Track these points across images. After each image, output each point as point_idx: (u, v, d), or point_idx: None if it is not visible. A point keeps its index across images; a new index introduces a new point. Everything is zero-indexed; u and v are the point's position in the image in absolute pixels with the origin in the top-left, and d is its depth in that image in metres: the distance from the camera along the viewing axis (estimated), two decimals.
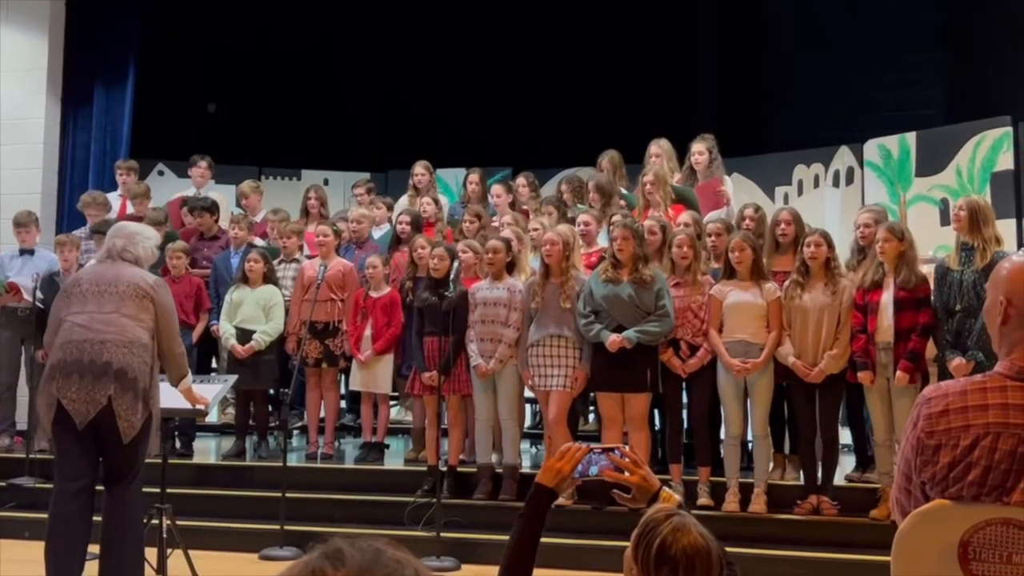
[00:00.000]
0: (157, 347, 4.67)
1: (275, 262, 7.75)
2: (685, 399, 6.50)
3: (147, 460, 4.74)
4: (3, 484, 6.99)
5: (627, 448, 2.50)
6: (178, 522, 5.13)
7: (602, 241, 7.15)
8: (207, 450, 8.12)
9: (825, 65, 10.24)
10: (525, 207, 8.25)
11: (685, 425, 6.57)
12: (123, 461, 4.55)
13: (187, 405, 5.08)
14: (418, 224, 7.81)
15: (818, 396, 6.14)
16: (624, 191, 7.93)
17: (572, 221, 7.37)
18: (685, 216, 6.95)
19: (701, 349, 6.28)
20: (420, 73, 11.68)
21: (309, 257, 7.81)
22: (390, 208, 8.76)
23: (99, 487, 4.64)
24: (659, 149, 7.93)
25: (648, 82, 10.98)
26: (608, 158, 8.12)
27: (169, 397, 4.94)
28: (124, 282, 4.65)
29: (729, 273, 6.30)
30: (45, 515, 4.61)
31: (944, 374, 5.86)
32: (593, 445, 2.51)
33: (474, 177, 8.62)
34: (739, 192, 8.42)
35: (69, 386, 4.50)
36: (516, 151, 10.84)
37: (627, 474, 2.42)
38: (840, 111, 10.08)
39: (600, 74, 11.20)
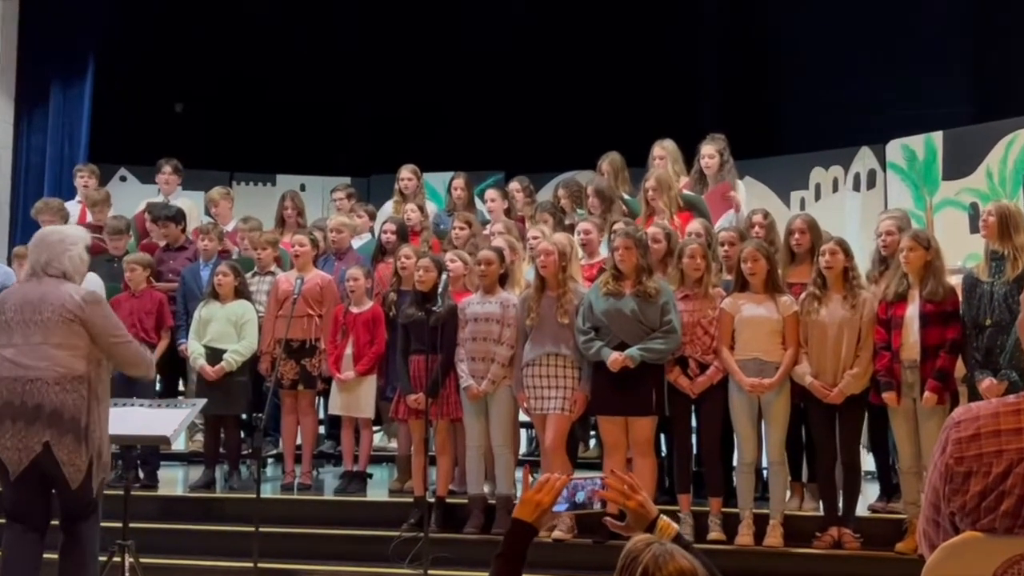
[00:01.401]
0: (110, 361, 4.64)
1: (248, 275, 7.74)
2: (694, 423, 6.49)
3: (108, 492, 4.71)
4: None
5: (620, 473, 2.49)
6: (142, 560, 5.11)
7: (603, 251, 7.15)
8: (173, 481, 8.08)
9: (844, 58, 10.25)
10: (521, 214, 8.25)
11: (694, 451, 6.56)
12: (76, 502, 4.54)
13: (148, 432, 5.05)
14: (404, 233, 7.82)
15: (838, 419, 6.14)
16: (626, 196, 7.93)
17: (570, 229, 7.37)
18: (696, 225, 6.96)
19: (711, 368, 6.27)
20: (406, 69, 11.70)
21: (305, 261, 7.77)
22: (372, 216, 8.75)
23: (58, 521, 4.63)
24: (663, 151, 7.93)
25: (651, 78, 10.99)
26: (608, 161, 8.11)
27: (130, 423, 4.91)
28: (49, 306, 4.56)
29: (742, 285, 6.30)
30: None
31: (974, 395, 5.86)
32: (576, 476, 2.50)
33: (458, 182, 8.61)
34: (752, 197, 8.42)
35: (2, 432, 4.47)
36: (509, 153, 10.84)
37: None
38: (861, 108, 10.09)
39: (599, 70, 11.21)
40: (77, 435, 4.45)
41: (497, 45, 11.49)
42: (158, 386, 7.70)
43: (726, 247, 6.68)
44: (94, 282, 7.19)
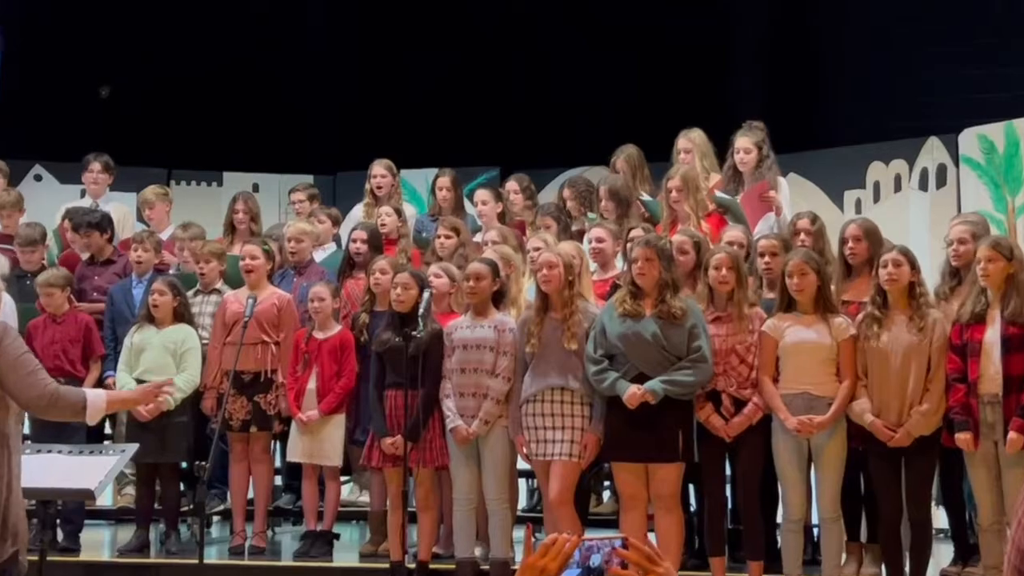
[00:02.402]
0: (20, 408, 4.55)
1: (189, 294, 7.72)
2: (729, 471, 6.48)
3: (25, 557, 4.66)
4: None
5: (636, 542, 2.45)
6: None
7: (618, 264, 7.15)
8: (98, 543, 8.04)
9: (908, 31, 10.26)
10: (519, 219, 8.25)
11: (730, 505, 6.55)
12: None
13: (71, 484, 5.01)
14: (377, 242, 7.80)
15: (904, 466, 6.13)
16: (646, 197, 7.93)
17: (578, 237, 7.37)
18: (735, 232, 6.97)
19: (750, 404, 6.26)
20: (378, 46, 11.72)
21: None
22: (339, 222, 8.75)
23: None
24: (690, 144, 7.93)
25: (675, 56, 11.01)
26: (625, 156, 8.12)
27: (46, 474, 4.87)
28: None
29: (787, 304, 6.30)
30: None
31: None
32: (588, 536, 2.47)
33: (444, 181, 8.61)
34: (797, 198, 8.41)
35: None
36: (505, 146, 10.84)
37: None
38: (928, 92, 10.10)
39: (612, 46, 11.24)
40: None
41: (489, 17, 11.51)
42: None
43: (767, 258, 6.67)
44: (7, 307, 7.14)
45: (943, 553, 6.80)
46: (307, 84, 11.94)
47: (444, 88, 11.58)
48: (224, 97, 11.57)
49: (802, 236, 6.85)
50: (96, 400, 4.50)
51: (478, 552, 6.68)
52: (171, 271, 8.22)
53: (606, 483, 7.63)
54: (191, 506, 7.50)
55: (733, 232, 7.01)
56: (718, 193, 7.69)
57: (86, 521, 7.82)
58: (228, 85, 11.58)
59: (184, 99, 11.54)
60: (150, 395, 4.70)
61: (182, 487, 7.69)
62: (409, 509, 6.71)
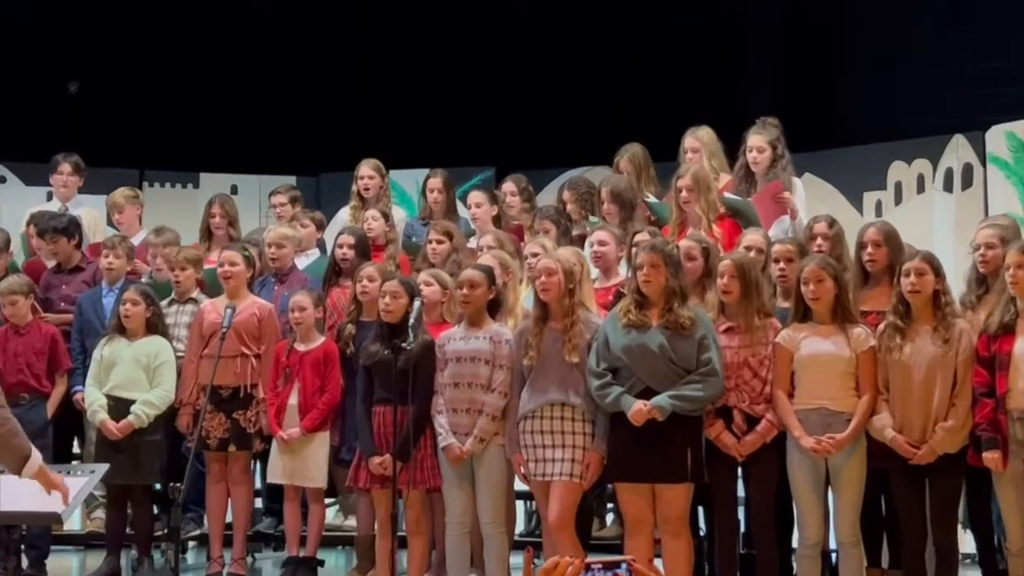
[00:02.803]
0: None
1: (163, 303, 7.72)
2: (741, 492, 6.48)
3: None
4: None
5: (643, 567, 2.45)
6: None
7: (622, 270, 7.15)
8: (66, 570, 8.06)
9: (931, 22, 10.25)
10: (516, 223, 8.26)
11: (742, 529, 6.54)
12: None
13: (37, 507, 5.00)
14: (365, 248, 7.80)
15: (928, 486, 6.12)
16: (651, 199, 7.95)
17: (579, 242, 7.37)
18: (754, 236, 6.97)
19: (763, 421, 6.26)
20: (367, 40, 11.70)
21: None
22: (323, 226, 8.75)
23: None
24: (698, 142, 7.95)
25: (683, 51, 11.00)
26: (629, 155, 8.13)
27: (10, 496, 4.86)
28: None
29: (802, 314, 6.30)
30: None
31: None
32: (592, 559, 2.47)
33: (435, 182, 8.63)
34: (813, 201, 8.42)
35: None
36: (501, 146, 10.83)
37: None
38: (952, 86, 10.08)
39: (616, 42, 11.22)
40: None
41: (485, 9, 11.51)
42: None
43: (781, 265, 6.68)
44: None
45: None
46: (290, 80, 11.91)
47: (435, 83, 11.58)
48: (201, 93, 11.55)
49: (819, 241, 6.85)
50: (35, 462, 4.47)
51: None
52: (144, 279, 8.21)
53: (609, 505, 7.59)
54: (165, 531, 7.48)
55: (752, 236, 7.01)
56: (727, 195, 7.69)
57: (52, 547, 7.81)
58: (205, 80, 11.56)
59: (158, 95, 11.52)
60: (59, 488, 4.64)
61: (155, 510, 7.68)
62: (399, 534, 6.70)
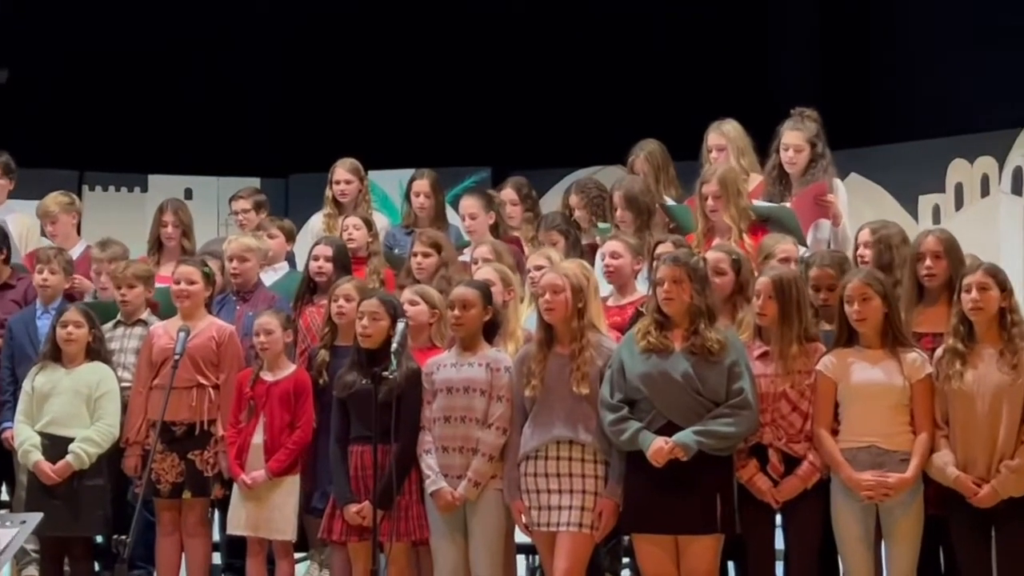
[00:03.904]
0: None
1: (107, 326, 7.71)
2: (779, 543, 6.43)
3: None
4: None
5: None
6: None
7: (640, 286, 7.15)
8: None
9: (991, 3, 10.25)
10: (516, 233, 8.27)
11: None
12: None
13: None
14: (343, 261, 7.79)
15: (995, 534, 6.09)
16: (671, 202, 7.95)
17: (590, 254, 7.40)
18: (785, 245, 6.96)
19: (804, 463, 6.22)
20: (342, 21, 11.67)
21: None
22: (292, 236, 8.74)
23: None
24: (723, 138, 7.98)
25: (706, 35, 11.00)
26: (646, 154, 8.16)
27: None
28: None
29: (847, 337, 6.26)
30: None
31: None
32: None
33: (421, 185, 8.65)
34: (860, 205, 8.41)
35: None
36: (497, 142, 10.82)
37: None
38: (1021, 75, 10.07)
39: (627, 25, 11.21)
40: None
41: None
42: None
43: (823, 295, 6.60)
44: None
45: None
46: (252, 68, 11.92)
47: (421, 70, 11.56)
48: (149, 82, 11.59)
49: (861, 250, 6.88)
50: None
51: None
52: (88, 298, 8.21)
53: (625, 560, 7.52)
54: None
55: (783, 245, 7.02)
56: (758, 202, 7.69)
57: None
58: (154, 67, 11.60)
59: (100, 85, 11.54)
60: None
61: (97, 567, 7.66)
62: None
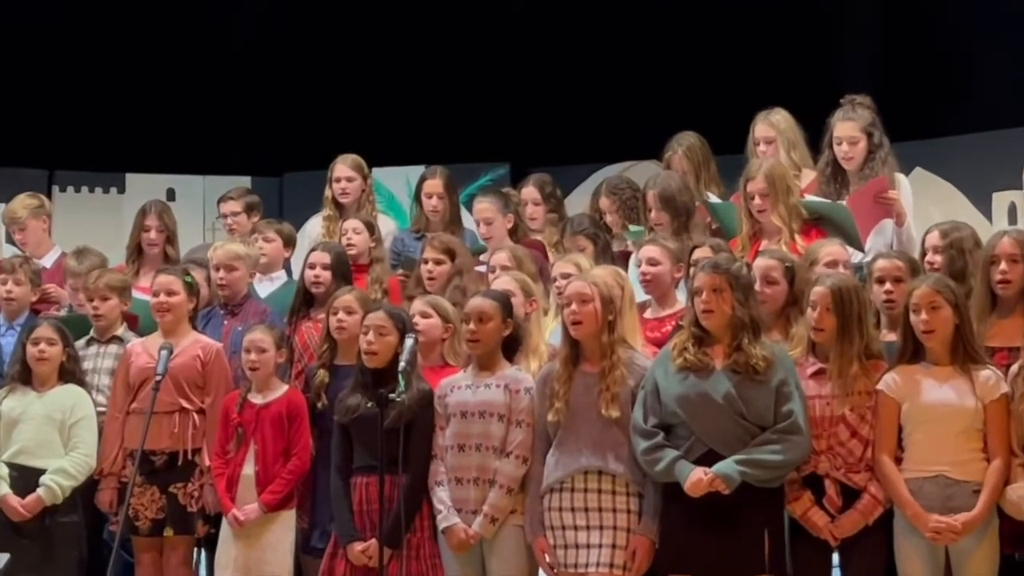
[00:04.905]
0: None
1: (80, 343, 7.72)
2: None
3: None
4: None
5: None
6: None
7: (679, 296, 7.15)
8: None
9: None
10: (539, 237, 8.29)
11: None
12: None
13: None
14: (344, 269, 7.81)
15: None
16: (714, 199, 7.96)
17: (622, 260, 7.42)
18: (831, 247, 6.95)
19: (865, 496, 6.20)
20: (344, 4, 11.71)
21: None
22: (290, 241, 8.73)
23: None
24: (771, 129, 8.02)
25: (749, 11, 10.98)
26: (684, 148, 8.21)
27: None
28: None
29: (913, 352, 6.25)
30: None
31: None
32: None
33: (433, 184, 8.70)
34: (923, 203, 8.39)
35: None
36: (517, 136, 10.82)
37: None
38: None
39: (663, 6, 11.21)
40: None
41: None
42: None
43: (887, 286, 6.63)
44: None
45: None
46: (243, 52, 11.93)
47: (431, 57, 11.58)
48: (126, 70, 11.61)
49: (929, 255, 6.87)
50: None
51: None
52: (63, 311, 8.23)
53: None
54: None
55: (828, 247, 7.01)
56: (810, 198, 7.70)
57: None
58: (132, 54, 11.61)
59: (71, 75, 11.56)
60: None
61: None
62: None
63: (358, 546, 6.65)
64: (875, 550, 6.21)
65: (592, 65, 11.23)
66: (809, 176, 7.92)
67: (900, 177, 7.90)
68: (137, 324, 7.92)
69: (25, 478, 7.33)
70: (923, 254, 6.92)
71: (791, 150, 7.95)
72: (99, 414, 7.50)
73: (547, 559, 6.42)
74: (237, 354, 7.42)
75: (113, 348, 7.76)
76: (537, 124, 11.08)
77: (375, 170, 9.03)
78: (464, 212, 8.85)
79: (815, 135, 8.01)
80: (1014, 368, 6.21)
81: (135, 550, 7.39)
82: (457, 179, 8.86)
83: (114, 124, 11.47)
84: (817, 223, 7.50)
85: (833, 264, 6.82)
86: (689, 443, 6.15)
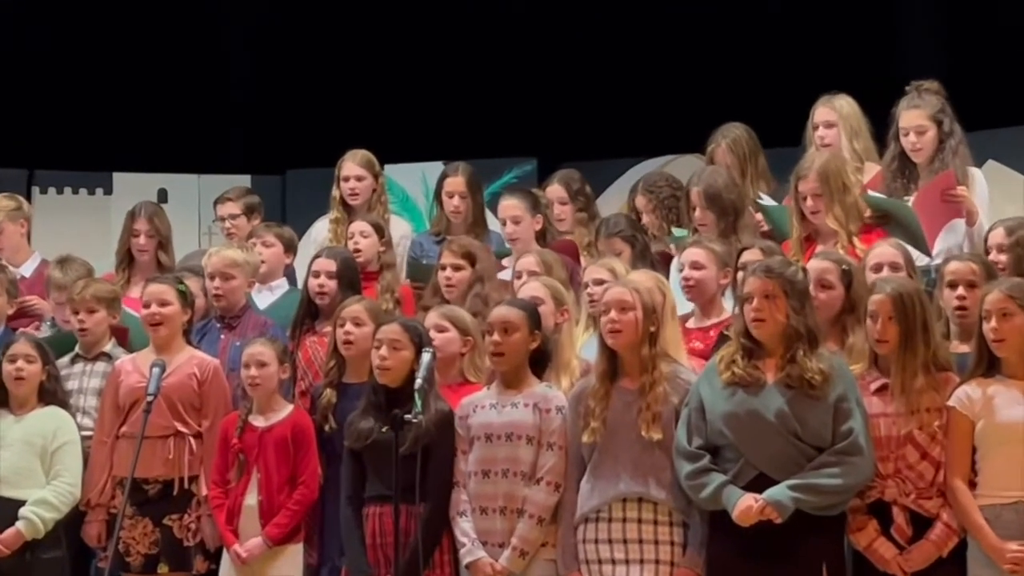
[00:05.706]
0: None
1: (64, 361, 7.75)
2: None
3: None
4: None
5: None
6: None
7: (726, 304, 7.16)
8: None
9: None
10: (570, 238, 8.29)
11: None
12: None
13: None
14: (352, 277, 7.82)
15: None
16: (766, 200, 7.96)
17: (663, 264, 7.39)
18: (884, 248, 6.94)
19: (938, 524, 6.16)
20: None
21: None
22: (292, 247, 8.74)
23: None
24: (833, 114, 8.04)
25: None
26: (729, 141, 8.23)
27: None
28: None
29: (987, 364, 6.22)
30: None
31: None
32: None
33: (455, 183, 8.72)
34: (995, 199, 8.34)
35: None
36: (545, 129, 10.81)
37: None
38: None
39: None
40: None
41: None
42: None
43: (960, 291, 6.59)
44: None
45: None
46: (240, 40, 11.97)
47: (449, 44, 11.60)
48: (115, 63, 11.65)
49: (994, 254, 6.91)
50: None
51: None
52: (45, 326, 8.29)
53: None
54: None
55: (879, 248, 6.99)
56: (872, 193, 7.69)
57: None
58: (118, 43, 11.65)
59: (53, 67, 11.60)
60: None
61: None
62: None
63: None
64: None
65: (628, 49, 11.25)
66: (873, 170, 7.90)
67: (973, 171, 7.86)
68: (127, 339, 7.94)
69: (3, 510, 7.34)
70: (987, 253, 6.93)
71: (853, 139, 7.94)
72: (85, 439, 7.52)
73: None
74: (236, 372, 7.44)
75: (100, 366, 7.78)
76: (567, 115, 11.12)
77: (388, 167, 9.05)
78: (488, 214, 8.81)
79: (879, 129, 7.97)
80: None
81: None
82: (481, 175, 8.85)
83: (100, 118, 11.56)
84: (880, 223, 7.48)
85: (878, 268, 6.79)
86: (738, 466, 6.15)
